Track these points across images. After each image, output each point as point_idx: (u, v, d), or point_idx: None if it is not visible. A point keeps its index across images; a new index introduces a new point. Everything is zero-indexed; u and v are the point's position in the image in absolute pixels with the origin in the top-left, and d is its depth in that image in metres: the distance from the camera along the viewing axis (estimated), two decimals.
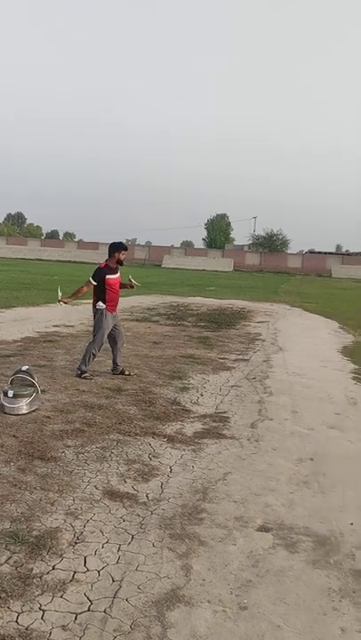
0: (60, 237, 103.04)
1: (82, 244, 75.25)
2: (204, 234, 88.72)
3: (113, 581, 2.66)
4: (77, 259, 59.65)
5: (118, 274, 7.08)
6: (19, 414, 5.06)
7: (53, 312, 13.18)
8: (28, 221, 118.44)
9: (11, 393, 5.10)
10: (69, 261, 56.68)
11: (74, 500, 3.49)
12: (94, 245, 69.68)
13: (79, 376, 6.79)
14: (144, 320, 12.96)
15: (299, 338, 11.78)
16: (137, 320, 12.88)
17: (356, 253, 73.82)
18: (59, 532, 3.07)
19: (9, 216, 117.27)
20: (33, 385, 5.29)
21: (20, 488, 3.58)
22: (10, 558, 2.77)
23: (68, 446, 4.41)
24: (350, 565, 2.93)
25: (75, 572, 2.71)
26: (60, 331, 10.62)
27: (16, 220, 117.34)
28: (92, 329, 7.43)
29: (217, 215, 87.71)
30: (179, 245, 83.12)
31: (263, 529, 3.29)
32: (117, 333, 7.16)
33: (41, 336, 9.80)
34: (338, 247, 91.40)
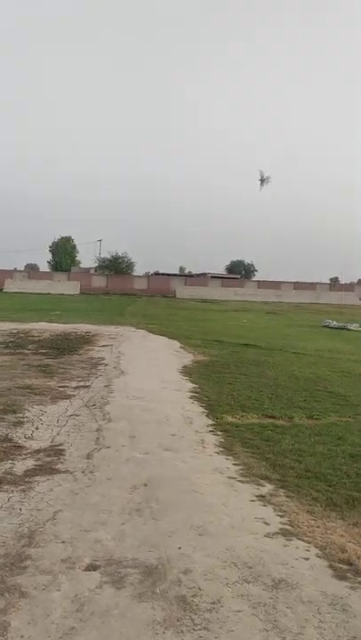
0: None
1: None
2: (49, 256, 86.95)
3: None
4: None
5: None
6: None
7: None
8: None
9: None
10: None
11: None
12: None
13: None
14: None
15: (141, 360, 11.92)
16: None
17: (198, 274, 77.55)
18: None
19: None
20: None
21: None
22: None
23: None
24: (176, 592, 2.94)
25: None
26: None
27: None
28: None
29: (62, 238, 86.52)
30: (22, 268, 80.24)
31: (91, 567, 3.18)
32: None
33: None
34: (181, 269, 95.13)
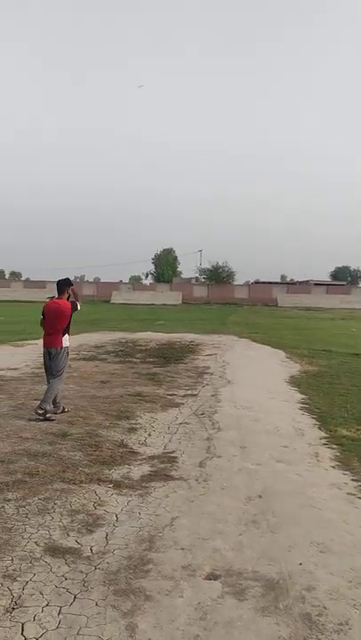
0: (6, 277, 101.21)
1: (28, 284, 74.12)
2: (152, 268, 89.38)
3: None
4: (24, 298, 58.59)
5: None
6: None
7: None
8: None
9: None
10: (16, 301, 55.58)
11: (12, 559, 3.29)
12: (41, 284, 68.73)
13: (42, 416, 6.66)
14: (92, 359, 12.76)
15: (247, 370, 11.86)
16: (84, 359, 12.67)
17: (301, 282, 75.96)
18: None
19: None
20: None
21: None
22: None
23: (8, 500, 4.19)
24: (300, 609, 2.86)
25: None
26: (4, 374, 10.28)
27: None
28: (39, 370, 7.23)
29: (164, 250, 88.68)
30: (127, 281, 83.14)
31: (211, 577, 3.18)
32: None
33: None
34: (283, 277, 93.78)
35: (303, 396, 8.85)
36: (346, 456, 5.62)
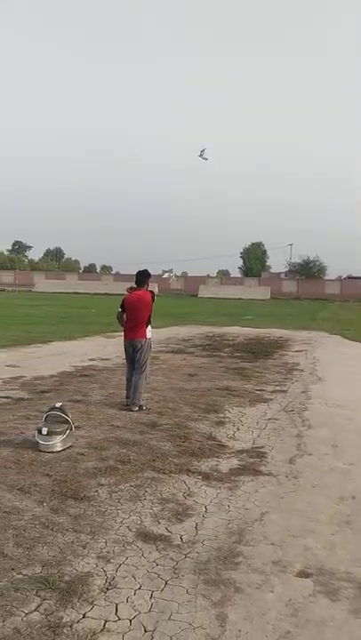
0: (97, 271, 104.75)
1: (118, 277, 76.29)
2: (240, 262, 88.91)
3: (145, 632, 2.56)
4: (114, 291, 60.17)
5: None
6: (53, 452, 5.04)
7: (89, 346, 13.29)
8: (66, 256, 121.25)
9: (45, 430, 5.10)
10: (106, 294, 57.39)
11: (106, 542, 3.41)
12: (130, 278, 70.48)
13: (140, 409, 6.88)
14: (179, 352, 12.92)
15: (338, 367, 11.51)
16: (172, 352, 12.85)
17: None
18: (90, 577, 3.00)
19: (48, 251, 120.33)
20: (67, 422, 5.28)
21: (52, 530, 3.53)
22: (40, 605, 2.71)
23: (102, 485, 4.35)
24: None
25: (106, 621, 2.62)
26: (96, 364, 10.67)
27: (55, 255, 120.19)
28: (123, 361, 7.33)
29: (252, 244, 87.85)
30: (215, 275, 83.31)
31: (303, 574, 3.13)
32: None
33: (77, 370, 9.87)
34: None
35: None
36: None
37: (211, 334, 17.42)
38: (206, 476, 4.65)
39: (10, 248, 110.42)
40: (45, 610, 2.67)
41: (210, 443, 5.65)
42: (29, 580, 2.92)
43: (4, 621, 2.56)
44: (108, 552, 3.29)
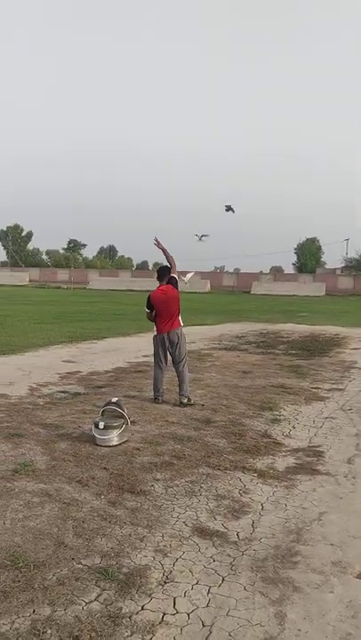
0: (150, 268, 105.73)
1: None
2: (294, 258, 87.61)
3: (203, 626, 2.56)
4: None
5: None
6: (109, 446, 5.13)
7: (143, 342, 13.42)
8: (119, 254, 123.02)
9: (102, 424, 5.19)
10: None
11: (163, 536, 3.44)
12: (182, 274, 70.72)
13: (189, 400, 6.96)
14: (233, 349, 12.87)
15: None
16: (226, 349, 12.81)
17: None
18: (148, 570, 3.03)
19: (102, 249, 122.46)
20: (123, 416, 5.35)
21: (110, 522, 3.59)
22: (100, 595, 2.76)
23: (158, 480, 4.39)
24: None
25: (164, 614, 2.64)
26: (150, 360, 10.73)
27: (108, 252, 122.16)
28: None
29: (307, 239, 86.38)
30: (268, 271, 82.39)
31: None
32: None
33: (131, 366, 10.00)
34: None
35: None
36: None
37: (265, 331, 17.25)
38: (262, 474, 4.61)
39: (65, 246, 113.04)
40: (105, 600, 2.72)
41: (265, 440, 5.59)
42: (89, 571, 2.98)
43: (65, 609, 2.63)
44: (165, 546, 3.31)
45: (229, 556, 3.23)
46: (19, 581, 2.84)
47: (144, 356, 11.31)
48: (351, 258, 70.68)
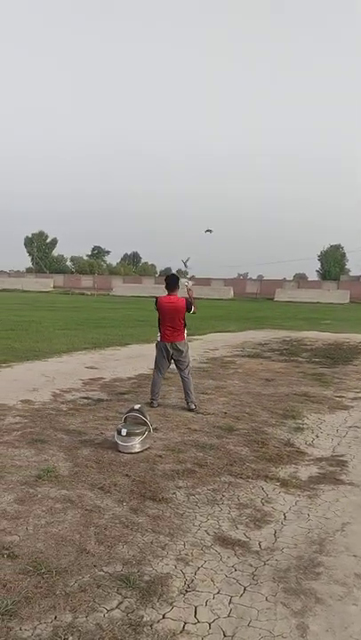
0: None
1: (195, 280, 76.76)
2: (318, 265, 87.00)
3: (224, 636, 2.55)
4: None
5: None
6: (132, 453, 5.15)
7: None
8: (142, 260, 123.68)
9: (124, 431, 5.22)
10: None
11: (184, 544, 3.44)
12: (206, 281, 70.76)
13: (196, 407, 7.10)
14: (256, 356, 12.80)
15: None
16: (249, 356, 12.75)
17: None
18: (169, 578, 3.03)
19: (125, 256, 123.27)
20: (145, 423, 5.37)
21: (131, 529, 3.60)
22: (121, 603, 2.77)
23: (180, 487, 4.39)
24: None
25: (185, 623, 2.63)
26: (172, 368, 10.74)
27: (132, 259, 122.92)
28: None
29: (331, 246, 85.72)
30: (291, 278, 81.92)
31: None
32: None
33: None
34: None
35: None
36: None
37: (288, 339, 17.13)
38: (285, 483, 4.57)
39: (89, 253, 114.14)
40: (126, 608, 2.73)
41: (288, 449, 5.55)
42: (110, 578, 3.00)
43: (87, 616, 2.64)
44: (186, 554, 3.31)
45: (251, 565, 3.21)
46: (41, 587, 2.87)
47: None
48: None
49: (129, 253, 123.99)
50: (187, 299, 7.38)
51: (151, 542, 3.44)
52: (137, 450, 5.19)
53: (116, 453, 5.14)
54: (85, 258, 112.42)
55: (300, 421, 6.69)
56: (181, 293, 7.49)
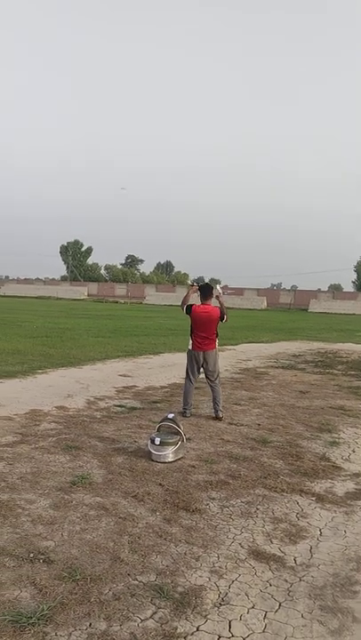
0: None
1: (225, 289, 76.55)
2: (354, 276, 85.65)
3: None
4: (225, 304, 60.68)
5: None
6: (165, 462, 5.14)
7: None
8: (175, 269, 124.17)
9: (158, 440, 5.22)
10: None
11: (218, 557, 3.41)
12: (239, 291, 70.55)
13: (223, 417, 7.13)
14: (290, 367, 12.67)
15: None
16: (282, 367, 12.63)
17: None
18: (203, 590, 3.00)
19: (158, 265, 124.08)
20: (179, 433, 5.36)
21: (165, 539, 3.59)
22: (155, 613, 2.76)
23: (213, 498, 4.36)
24: None
25: (220, 637, 2.61)
26: (203, 377, 10.72)
27: (165, 268, 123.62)
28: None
29: None
30: (326, 289, 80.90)
31: None
32: None
33: None
34: None
35: None
36: None
37: (323, 350, 16.90)
38: (320, 498, 4.50)
39: (123, 262, 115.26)
40: (160, 618, 2.72)
41: (323, 463, 5.46)
42: (144, 587, 2.99)
43: (121, 625, 2.64)
44: (220, 567, 3.28)
45: (286, 581, 3.16)
46: (76, 594, 2.88)
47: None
48: None
49: (162, 262, 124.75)
50: (221, 309, 7.37)
51: (185, 553, 3.42)
52: (170, 459, 5.19)
53: (150, 462, 5.15)
54: (119, 266, 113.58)
55: (335, 435, 6.57)
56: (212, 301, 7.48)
